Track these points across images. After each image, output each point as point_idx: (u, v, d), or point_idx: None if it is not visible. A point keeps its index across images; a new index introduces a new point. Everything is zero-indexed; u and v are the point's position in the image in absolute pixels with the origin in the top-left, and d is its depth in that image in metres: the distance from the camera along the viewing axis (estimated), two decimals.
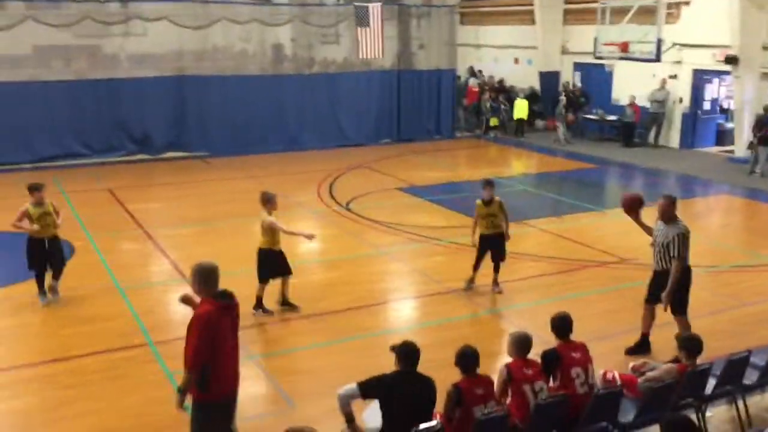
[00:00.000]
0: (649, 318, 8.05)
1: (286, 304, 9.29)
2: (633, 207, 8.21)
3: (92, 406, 6.95)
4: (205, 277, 5.15)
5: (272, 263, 9.03)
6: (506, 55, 26.18)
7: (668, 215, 7.75)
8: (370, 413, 5.54)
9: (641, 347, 7.93)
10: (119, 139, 19.56)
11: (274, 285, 9.26)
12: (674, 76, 20.80)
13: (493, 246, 9.77)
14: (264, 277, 9.08)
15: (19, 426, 6.71)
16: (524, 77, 25.03)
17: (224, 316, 5.18)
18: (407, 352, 5.38)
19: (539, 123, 25.02)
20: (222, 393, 5.22)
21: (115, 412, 6.82)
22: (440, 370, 6.38)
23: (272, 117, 20.83)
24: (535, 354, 5.94)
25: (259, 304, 9.11)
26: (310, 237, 9.12)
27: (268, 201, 9.08)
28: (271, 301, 9.27)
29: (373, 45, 20.96)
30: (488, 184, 9.83)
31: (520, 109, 23.35)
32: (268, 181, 17.08)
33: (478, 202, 9.77)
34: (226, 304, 5.19)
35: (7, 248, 12.05)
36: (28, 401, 7.10)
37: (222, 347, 5.12)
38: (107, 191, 15.90)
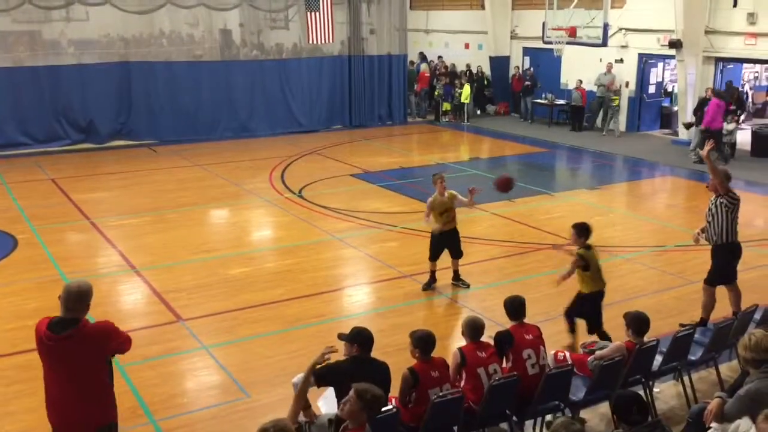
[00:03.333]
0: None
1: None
2: (506, 188, 9.30)
3: (39, 402, 6.73)
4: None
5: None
6: (457, 40, 26.27)
7: (719, 189, 7.72)
8: (325, 400, 5.53)
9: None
10: (62, 127, 19.00)
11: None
12: (620, 61, 21.17)
13: (449, 243, 9.60)
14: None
15: None
16: (475, 62, 25.14)
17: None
18: (361, 338, 5.37)
19: (490, 108, 25.23)
20: (50, 419, 4.80)
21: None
22: (395, 355, 6.42)
23: (221, 104, 20.51)
24: (488, 337, 6.00)
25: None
26: None
27: None
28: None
29: (324, 30, 20.77)
30: (440, 178, 9.49)
31: (464, 93, 23.46)
32: (219, 168, 16.87)
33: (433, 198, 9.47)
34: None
35: None
36: None
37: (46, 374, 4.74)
38: (51, 181, 15.46)
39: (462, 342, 5.97)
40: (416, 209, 13.57)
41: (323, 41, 21.09)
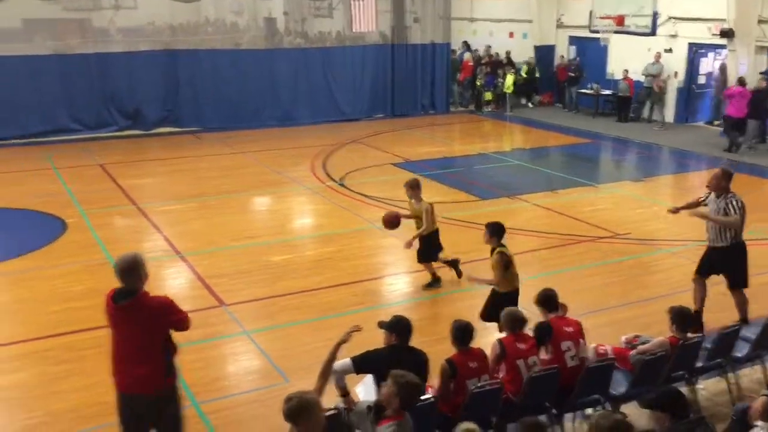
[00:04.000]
0: (701, 292, 7.93)
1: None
2: (391, 225, 9.19)
3: (86, 381, 6.96)
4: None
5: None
6: (501, 29, 25.98)
7: (720, 187, 7.67)
8: (364, 387, 5.57)
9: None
10: (111, 114, 19.38)
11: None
12: (669, 50, 20.69)
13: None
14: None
15: (18, 399, 6.72)
16: (519, 51, 24.85)
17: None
18: (400, 327, 5.39)
19: (536, 98, 24.92)
20: (114, 380, 5.10)
21: (109, 388, 6.76)
22: (434, 345, 6.41)
23: (265, 92, 20.67)
24: (528, 329, 5.96)
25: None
26: None
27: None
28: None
29: (367, 18, 20.76)
30: (407, 186, 9.33)
31: (506, 83, 23.20)
32: (261, 156, 17.03)
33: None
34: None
35: (7, 224, 12.04)
36: (25, 375, 7.11)
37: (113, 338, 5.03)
38: (99, 167, 15.80)
39: (500, 334, 5.94)
40: (457, 199, 13.53)
41: (367, 30, 21.07)
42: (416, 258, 9.46)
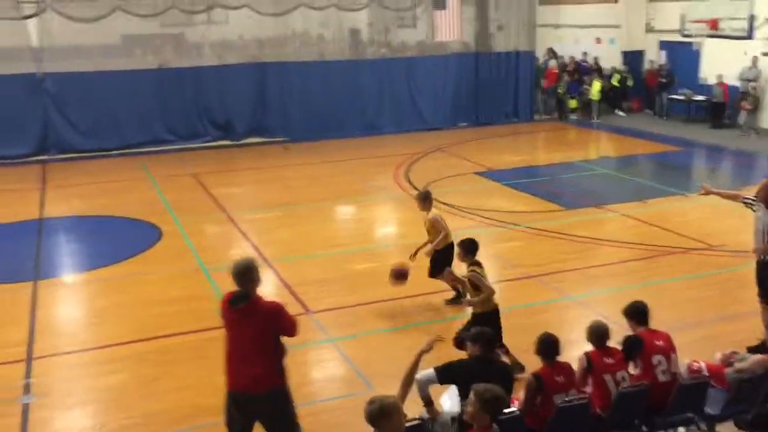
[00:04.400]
0: None
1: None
2: (398, 279, 8.43)
3: (180, 383, 7.26)
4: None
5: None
6: (588, 35, 25.45)
7: None
8: (448, 398, 5.58)
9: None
10: (203, 125, 20.12)
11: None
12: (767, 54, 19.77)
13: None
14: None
15: (117, 399, 7.07)
16: (606, 57, 24.28)
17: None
18: (484, 338, 5.38)
19: (625, 105, 24.24)
20: (226, 379, 5.31)
21: (201, 391, 7.09)
22: (518, 357, 6.35)
23: (350, 102, 20.98)
24: (616, 343, 5.83)
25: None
26: None
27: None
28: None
29: (451, 27, 20.78)
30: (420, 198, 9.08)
31: (593, 90, 22.68)
32: (346, 165, 17.30)
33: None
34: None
35: (108, 231, 12.71)
36: (124, 377, 7.48)
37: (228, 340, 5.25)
38: (192, 176, 16.43)
39: (587, 348, 5.83)
40: (541, 209, 13.34)
41: (450, 38, 21.09)
42: (427, 272, 8.94)
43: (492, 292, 7.07)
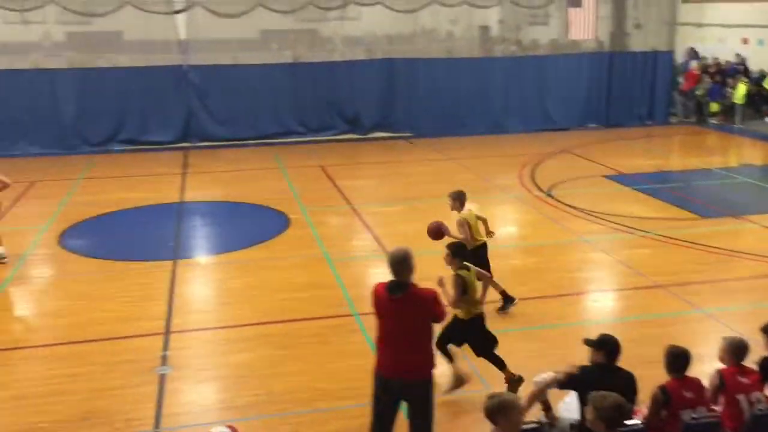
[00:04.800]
0: None
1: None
2: (437, 236, 8.28)
3: (302, 367, 7.55)
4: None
5: None
6: (733, 35, 23.96)
7: None
8: (567, 405, 5.50)
9: None
10: (332, 118, 20.68)
11: None
12: None
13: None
14: None
15: (245, 377, 7.43)
16: (753, 58, 22.76)
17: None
18: (609, 346, 5.26)
19: None
20: (377, 365, 5.43)
21: (322, 375, 7.36)
22: (642, 368, 6.14)
23: (477, 99, 20.85)
24: (753, 362, 5.52)
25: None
26: None
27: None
28: None
29: (585, 25, 20.21)
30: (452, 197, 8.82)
31: (737, 93, 21.30)
32: (470, 163, 17.25)
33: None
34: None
35: (240, 216, 13.38)
36: (253, 356, 7.85)
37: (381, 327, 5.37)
38: (319, 167, 16.95)
39: (719, 365, 5.56)
40: (673, 216, 12.78)
41: (584, 37, 20.52)
42: None
43: (458, 302, 6.74)
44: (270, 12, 19.27)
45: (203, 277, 10.58)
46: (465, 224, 8.56)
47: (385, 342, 5.34)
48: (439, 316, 5.37)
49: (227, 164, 17.56)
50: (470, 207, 8.87)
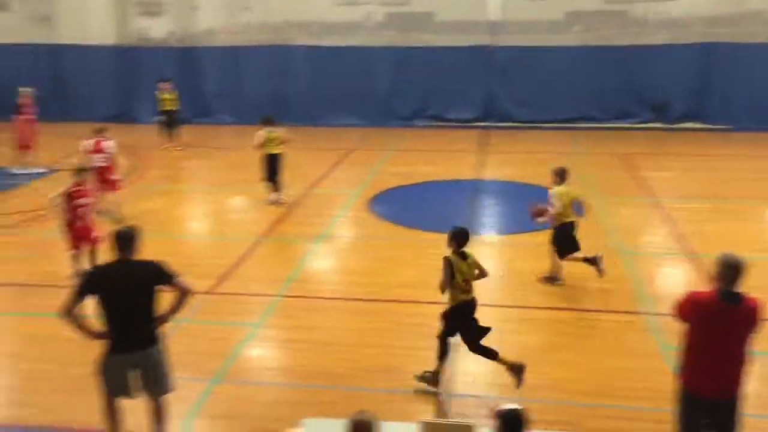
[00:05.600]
0: None
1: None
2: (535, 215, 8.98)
3: (573, 358, 7.31)
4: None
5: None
6: None
7: None
8: None
9: None
10: (636, 106, 19.61)
11: None
12: None
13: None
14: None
15: (518, 357, 7.41)
16: None
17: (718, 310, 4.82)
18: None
19: None
20: (689, 382, 4.99)
21: (593, 373, 7.06)
22: None
23: None
24: None
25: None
26: None
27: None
28: None
29: None
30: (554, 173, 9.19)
31: None
32: None
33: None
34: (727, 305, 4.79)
35: (530, 199, 13.36)
36: (530, 339, 7.82)
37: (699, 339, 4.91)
38: (617, 156, 16.21)
39: None
40: None
41: None
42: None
43: (447, 286, 6.57)
44: None
45: (490, 257, 10.70)
46: (554, 197, 8.92)
47: (709, 357, 4.90)
48: (758, 327, 4.85)
49: (523, 146, 17.69)
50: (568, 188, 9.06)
